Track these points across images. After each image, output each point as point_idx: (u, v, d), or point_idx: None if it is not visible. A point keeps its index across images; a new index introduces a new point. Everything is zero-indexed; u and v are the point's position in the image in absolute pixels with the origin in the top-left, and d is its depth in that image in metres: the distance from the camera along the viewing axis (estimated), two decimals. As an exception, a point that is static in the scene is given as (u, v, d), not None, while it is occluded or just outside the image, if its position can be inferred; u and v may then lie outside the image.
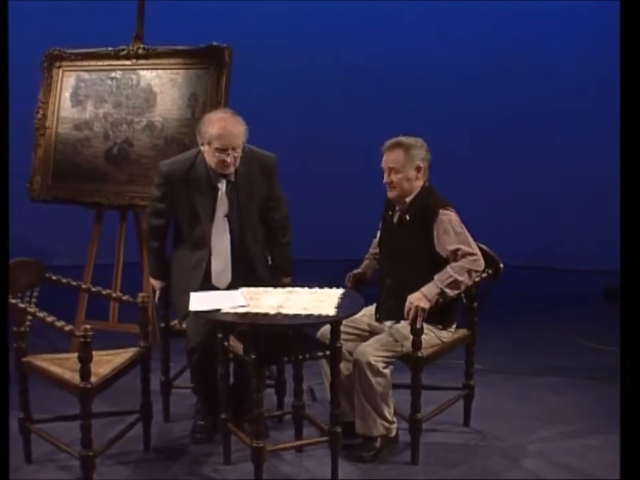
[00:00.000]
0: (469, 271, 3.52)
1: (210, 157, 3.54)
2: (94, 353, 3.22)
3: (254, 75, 6.02)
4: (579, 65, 6.34)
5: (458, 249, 3.53)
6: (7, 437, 2.93)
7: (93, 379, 3.23)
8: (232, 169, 3.56)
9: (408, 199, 3.62)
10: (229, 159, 3.49)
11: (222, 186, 3.61)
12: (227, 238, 3.63)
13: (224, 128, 3.48)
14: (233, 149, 3.49)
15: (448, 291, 3.48)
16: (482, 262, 3.57)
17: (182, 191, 3.60)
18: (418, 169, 3.60)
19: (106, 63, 5.01)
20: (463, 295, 3.69)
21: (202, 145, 3.55)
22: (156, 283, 3.84)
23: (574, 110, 6.34)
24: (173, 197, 3.62)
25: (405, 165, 3.58)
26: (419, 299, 3.44)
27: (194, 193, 3.59)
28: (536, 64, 6.41)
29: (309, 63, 6.59)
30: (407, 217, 3.61)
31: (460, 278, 3.50)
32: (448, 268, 3.50)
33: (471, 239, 3.57)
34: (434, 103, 6.44)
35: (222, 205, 3.62)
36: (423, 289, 3.46)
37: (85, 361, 3.19)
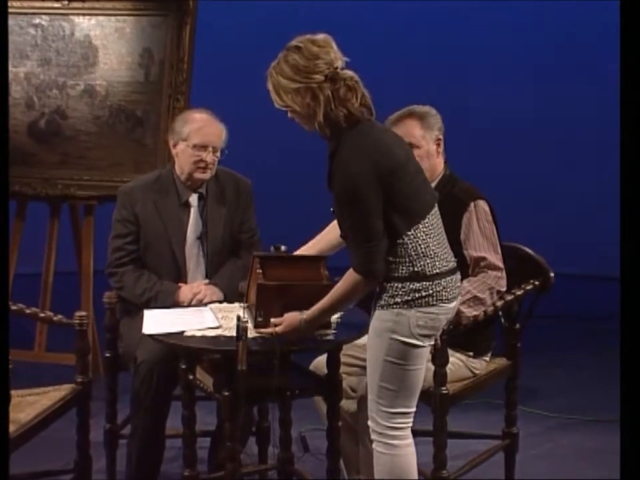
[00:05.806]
0: (491, 289, 3.56)
1: (185, 158, 3.81)
2: (12, 392, 3.20)
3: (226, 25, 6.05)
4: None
5: (482, 258, 3.57)
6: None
7: (10, 428, 3.19)
8: (209, 175, 3.84)
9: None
10: (208, 158, 3.78)
11: (193, 201, 3.87)
12: (202, 263, 3.88)
13: (204, 121, 3.84)
14: (213, 149, 3.79)
15: (466, 310, 3.49)
16: (505, 281, 3.61)
17: (146, 209, 3.83)
18: (438, 141, 3.66)
19: (26, 4, 5.01)
20: (500, 312, 3.70)
21: (175, 146, 3.85)
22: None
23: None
24: (137, 219, 3.84)
25: (424, 137, 3.63)
26: None
27: (160, 210, 3.84)
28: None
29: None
30: None
31: (481, 295, 3.53)
32: (465, 282, 3.49)
33: (499, 248, 3.62)
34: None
35: (195, 225, 3.87)
36: None
37: (1, 403, 3.19)
